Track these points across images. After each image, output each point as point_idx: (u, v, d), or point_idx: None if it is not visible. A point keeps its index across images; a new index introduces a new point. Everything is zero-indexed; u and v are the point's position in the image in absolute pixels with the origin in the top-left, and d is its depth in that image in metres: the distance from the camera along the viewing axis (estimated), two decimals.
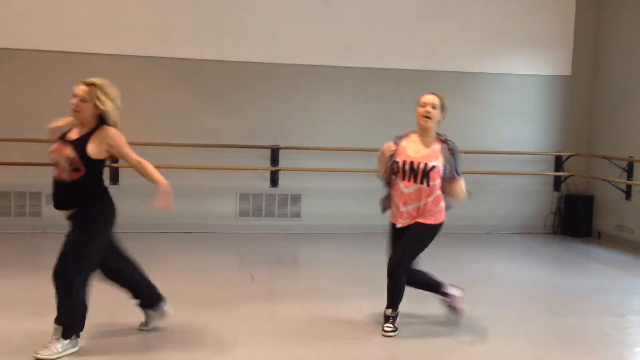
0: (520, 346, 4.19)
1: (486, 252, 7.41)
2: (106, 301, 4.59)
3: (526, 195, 8.79)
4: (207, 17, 7.88)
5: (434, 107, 4.26)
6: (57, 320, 3.74)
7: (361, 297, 5.18)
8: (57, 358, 3.65)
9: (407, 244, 4.31)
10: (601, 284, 6.05)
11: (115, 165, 7.69)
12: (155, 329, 4.24)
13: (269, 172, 8.16)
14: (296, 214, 8.28)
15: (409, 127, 8.52)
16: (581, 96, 8.82)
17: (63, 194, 3.76)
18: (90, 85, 3.81)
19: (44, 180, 7.65)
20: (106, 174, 8.08)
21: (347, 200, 8.23)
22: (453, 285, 4.58)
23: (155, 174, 3.93)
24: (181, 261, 6.45)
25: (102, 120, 3.82)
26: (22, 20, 7.47)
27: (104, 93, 3.84)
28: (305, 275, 6.17)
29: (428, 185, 4.23)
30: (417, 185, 4.22)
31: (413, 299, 5.21)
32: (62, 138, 3.83)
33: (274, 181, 8.21)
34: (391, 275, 4.34)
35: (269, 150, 8.11)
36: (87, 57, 7.63)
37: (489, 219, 8.68)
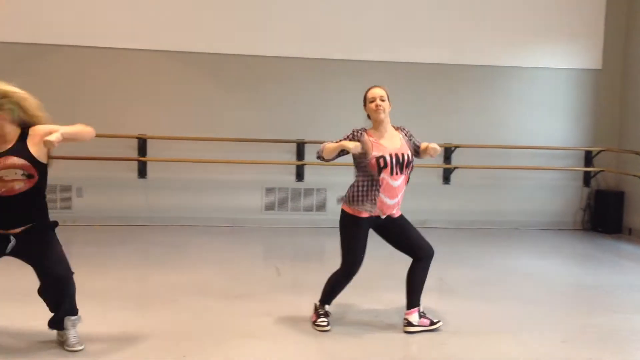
0: (549, 343, 4.14)
1: (514, 248, 7.33)
2: (134, 294, 4.67)
3: (555, 191, 8.67)
4: (235, 12, 7.91)
5: (382, 100, 4.29)
6: (71, 313, 3.81)
7: (386, 291, 5.17)
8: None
9: (416, 233, 4.42)
10: (631, 281, 5.94)
11: (142, 159, 7.78)
12: (181, 321, 4.28)
13: (294, 166, 8.18)
14: (322, 208, 8.29)
15: (435, 121, 8.48)
16: (612, 90, 8.64)
17: (20, 208, 3.51)
18: None
19: (74, 174, 7.80)
20: (134, 167, 8.23)
21: None
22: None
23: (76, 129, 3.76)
24: (208, 254, 6.50)
25: (21, 125, 3.64)
26: (54, 16, 7.59)
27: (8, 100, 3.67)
28: (330, 269, 6.12)
29: (409, 173, 4.31)
30: (403, 176, 4.25)
31: (442, 292, 5.19)
32: None
33: (299, 175, 8.23)
34: (428, 265, 4.37)
35: (295, 144, 8.12)
36: (117, 52, 7.72)
37: (517, 214, 8.58)
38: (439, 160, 8.35)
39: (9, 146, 3.52)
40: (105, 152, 7.52)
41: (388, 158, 4.16)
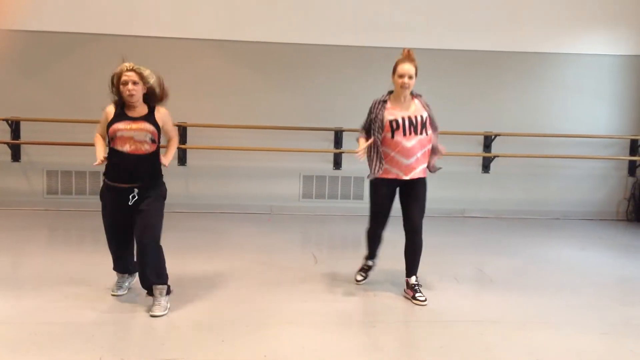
0: (589, 335, 4.07)
1: (555, 239, 7.21)
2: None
3: (599, 181, 8.49)
4: (275, 0, 7.93)
5: (410, 78, 4.57)
6: (157, 282, 4.20)
7: (424, 280, 5.14)
8: (166, 313, 4.15)
9: (421, 204, 4.66)
10: None
11: (183, 146, 7.89)
12: (220, 306, 4.35)
13: (332, 154, 8.19)
14: (359, 196, 8.29)
15: (475, 109, 8.36)
16: None
17: (143, 165, 4.13)
18: (133, 70, 4.23)
19: None
20: (174, 155, 8.35)
21: None
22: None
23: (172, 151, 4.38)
24: (246, 241, 6.57)
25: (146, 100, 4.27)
26: (95, 5, 7.74)
27: (144, 73, 4.28)
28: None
29: (427, 134, 4.56)
30: (419, 137, 4.52)
31: (481, 282, 5.15)
32: (126, 117, 4.17)
33: (337, 163, 8.23)
34: (418, 232, 4.64)
35: (333, 132, 8.12)
36: (157, 41, 7.83)
37: (559, 204, 8.44)
38: (479, 149, 8.25)
39: (143, 114, 4.20)
40: None
41: (400, 120, 4.52)
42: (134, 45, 7.80)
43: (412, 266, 4.71)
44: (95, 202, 8.14)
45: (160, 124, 4.24)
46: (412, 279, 4.69)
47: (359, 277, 5.05)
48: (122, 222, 4.23)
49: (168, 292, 4.26)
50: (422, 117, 4.53)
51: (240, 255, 5.87)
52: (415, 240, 4.66)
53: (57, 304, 4.30)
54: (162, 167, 4.28)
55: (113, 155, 4.13)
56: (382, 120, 4.56)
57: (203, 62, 7.97)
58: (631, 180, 8.52)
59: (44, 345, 3.60)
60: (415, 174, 4.59)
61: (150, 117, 4.20)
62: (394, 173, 4.59)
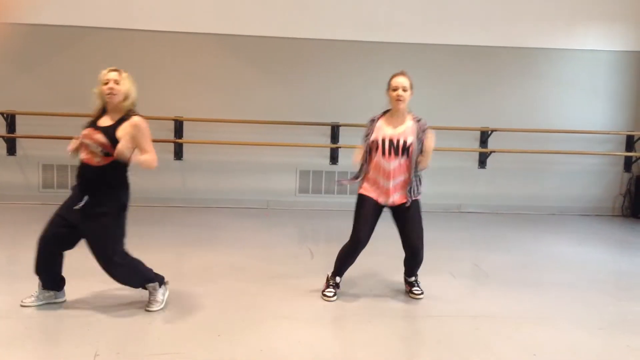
0: (586, 331, 4.08)
1: (551, 234, 7.22)
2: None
3: (595, 176, 8.51)
4: None
5: (404, 90, 4.46)
6: (141, 286, 4.17)
7: (421, 275, 5.15)
8: (162, 307, 4.15)
9: (417, 226, 4.52)
10: None
11: (179, 141, 7.87)
12: (216, 301, 4.35)
13: (329, 149, 8.18)
14: (355, 191, 8.26)
15: (472, 104, 8.38)
16: None
17: (92, 178, 3.94)
18: (118, 70, 4.05)
19: None
20: (170, 149, 8.33)
21: None
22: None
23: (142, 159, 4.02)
24: (242, 236, 6.56)
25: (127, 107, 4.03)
26: None
27: (128, 78, 4.08)
28: (363, 253, 6.16)
29: (408, 157, 4.40)
30: (399, 160, 4.39)
31: (477, 277, 5.15)
32: (93, 125, 4.04)
33: (333, 158, 8.23)
34: (419, 254, 4.56)
35: (329, 127, 8.11)
36: (153, 34, 7.80)
37: (555, 200, 8.46)
38: (475, 144, 8.25)
39: (108, 123, 3.97)
40: None
41: (380, 142, 4.41)
42: (131, 39, 7.78)
43: (411, 272, 4.70)
44: None
45: (119, 136, 3.89)
46: (411, 278, 4.71)
47: (330, 294, 4.54)
48: (62, 230, 4.02)
49: (161, 285, 4.23)
50: (404, 142, 4.39)
51: (236, 250, 5.86)
52: (416, 259, 4.59)
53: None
54: (127, 175, 4.04)
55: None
56: (367, 137, 4.51)
57: (200, 56, 7.94)
58: (627, 176, 8.54)
59: (39, 340, 3.59)
60: (395, 200, 4.46)
61: (110, 129, 3.93)
62: (374, 194, 4.51)
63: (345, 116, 8.06)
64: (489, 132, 8.20)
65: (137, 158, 3.95)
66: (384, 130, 4.47)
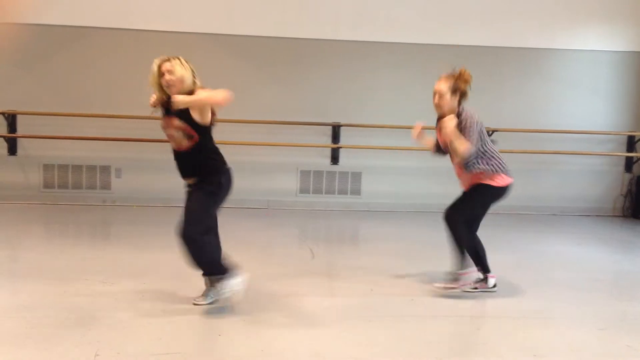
0: (586, 331, 4.08)
1: (552, 234, 7.22)
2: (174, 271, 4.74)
3: (595, 177, 8.51)
4: None
5: (440, 96, 4.44)
6: (207, 274, 4.17)
7: (421, 275, 5.16)
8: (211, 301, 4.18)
9: (463, 203, 4.67)
10: None
11: None
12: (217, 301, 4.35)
13: (329, 149, 8.18)
14: (356, 191, 8.29)
15: (473, 104, 8.37)
16: None
17: (186, 163, 4.07)
18: (168, 59, 4.06)
19: (114, 155, 7.95)
20: (170, 149, 8.30)
21: (407, 178, 8.18)
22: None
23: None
24: (243, 236, 6.56)
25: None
26: None
27: (179, 64, 4.08)
28: (364, 253, 6.18)
29: (460, 159, 4.49)
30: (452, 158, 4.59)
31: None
32: (167, 113, 4.07)
33: (334, 158, 8.23)
34: (450, 231, 4.72)
35: (330, 127, 8.11)
36: (153, 34, 7.81)
37: (556, 200, 8.46)
38: None
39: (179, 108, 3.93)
40: (142, 134, 7.63)
41: (442, 143, 4.64)
42: (131, 39, 7.79)
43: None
44: (92, 196, 8.14)
45: (196, 115, 3.98)
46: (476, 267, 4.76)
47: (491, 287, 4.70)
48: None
49: (221, 278, 4.11)
50: (443, 141, 4.57)
51: (237, 250, 5.83)
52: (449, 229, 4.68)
53: (53, 298, 4.29)
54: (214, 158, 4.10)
55: None
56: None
57: (199, 56, 7.90)
58: (628, 176, 8.53)
59: (40, 339, 3.59)
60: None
61: (182, 110, 3.97)
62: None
63: (346, 116, 8.06)
64: (490, 132, 8.19)
65: (196, 98, 3.94)
66: (439, 133, 4.60)
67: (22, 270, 5.02)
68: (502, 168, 4.49)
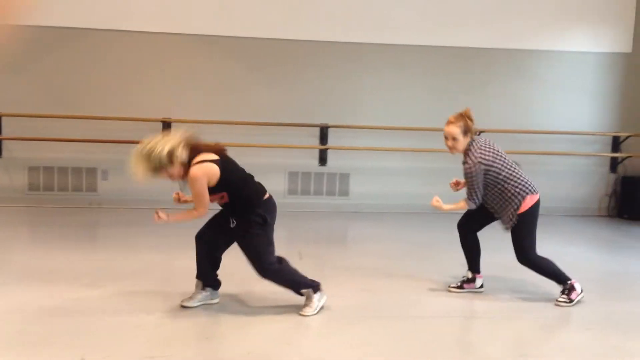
0: (573, 330, 4.11)
1: (538, 234, 7.23)
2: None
3: (581, 177, 8.57)
4: None
5: (454, 139, 4.45)
6: (296, 293, 4.29)
7: (409, 276, 5.17)
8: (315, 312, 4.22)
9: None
10: None
11: None
12: (205, 304, 4.33)
13: (317, 150, 8.18)
14: (344, 192, 8.29)
15: (460, 104, 8.40)
16: None
17: (229, 209, 4.18)
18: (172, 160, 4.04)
19: (100, 157, 7.90)
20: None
21: (395, 179, 8.19)
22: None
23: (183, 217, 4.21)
24: None
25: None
26: (82, 0, 7.65)
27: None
28: (353, 254, 6.18)
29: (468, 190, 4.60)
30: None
31: (462, 276, 5.16)
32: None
33: (322, 160, 8.23)
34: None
35: (318, 128, 8.11)
36: (142, 35, 7.77)
37: (542, 200, 8.43)
38: None
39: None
40: (129, 136, 7.56)
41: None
42: (120, 40, 7.74)
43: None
44: (78, 199, 8.07)
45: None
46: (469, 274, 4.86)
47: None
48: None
49: (315, 290, 4.26)
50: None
51: (225, 252, 5.83)
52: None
53: (39, 301, 4.25)
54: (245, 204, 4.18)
55: None
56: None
57: (189, 57, 7.92)
58: (613, 176, 8.60)
59: (25, 343, 3.55)
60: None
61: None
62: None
63: (335, 117, 8.07)
64: (478, 132, 8.22)
65: (175, 218, 4.14)
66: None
67: (7, 273, 4.97)
68: (525, 191, 4.62)
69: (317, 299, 4.24)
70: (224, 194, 4.08)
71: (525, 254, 4.61)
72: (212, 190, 4.01)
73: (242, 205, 4.14)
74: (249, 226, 4.13)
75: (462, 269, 4.90)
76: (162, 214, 4.07)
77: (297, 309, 4.32)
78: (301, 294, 4.26)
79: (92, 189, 7.93)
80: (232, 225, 4.18)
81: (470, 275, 4.82)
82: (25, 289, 4.49)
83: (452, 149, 4.50)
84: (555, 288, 5.06)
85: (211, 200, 4.03)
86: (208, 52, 7.93)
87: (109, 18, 7.68)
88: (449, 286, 4.83)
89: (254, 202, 4.19)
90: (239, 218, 4.15)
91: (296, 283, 4.26)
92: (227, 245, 4.34)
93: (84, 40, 7.71)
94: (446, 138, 4.49)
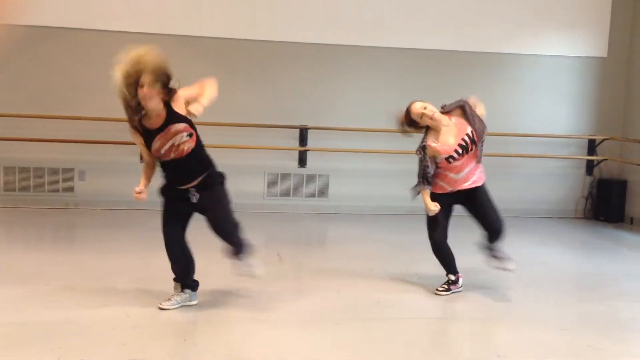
0: (549, 331, 4.15)
1: (515, 237, 7.29)
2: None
3: (557, 179, 8.66)
4: None
5: (424, 107, 4.60)
6: (238, 255, 4.30)
7: (388, 277, 5.19)
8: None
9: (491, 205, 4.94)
10: (632, 269, 5.96)
11: None
12: (182, 305, 4.31)
13: (297, 152, 8.17)
14: (324, 194, 8.29)
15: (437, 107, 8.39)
16: (617, 78, 8.60)
17: (189, 166, 4.04)
18: (145, 68, 4.11)
19: (77, 157, 7.80)
20: (135, 152, 8.16)
21: (374, 181, 8.21)
22: None
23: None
24: (209, 239, 6.49)
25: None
26: None
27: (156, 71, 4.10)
28: (332, 256, 6.19)
29: (480, 145, 4.81)
30: (465, 156, 4.67)
31: (442, 280, 5.20)
32: (159, 129, 3.99)
33: (302, 161, 8.22)
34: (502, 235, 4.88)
35: (298, 130, 8.11)
36: (120, 35, 7.66)
37: (518, 202, 8.58)
38: None
39: (164, 117, 3.95)
40: (107, 136, 7.51)
41: (455, 154, 4.59)
42: (96, 40, 7.65)
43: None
44: (55, 199, 7.97)
45: (183, 111, 4.05)
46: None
47: (440, 290, 4.83)
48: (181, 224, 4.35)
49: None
50: (468, 136, 4.66)
51: (203, 254, 5.78)
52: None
53: (14, 303, 4.20)
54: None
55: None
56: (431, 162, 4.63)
57: (168, 57, 7.85)
58: (589, 179, 8.71)
59: (0, 346, 3.50)
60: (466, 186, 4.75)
61: (173, 114, 4.03)
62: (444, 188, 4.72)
63: (314, 119, 8.07)
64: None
65: (204, 103, 4.07)
66: (447, 145, 4.59)
67: None
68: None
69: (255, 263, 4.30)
70: (194, 135, 4.03)
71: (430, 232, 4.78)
72: (190, 122, 4.02)
73: (205, 155, 4.17)
74: (214, 185, 4.17)
75: (440, 270, 4.93)
76: (136, 190, 4.07)
77: (276, 311, 4.31)
78: (240, 258, 4.29)
79: (69, 189, 7.84)
80: (194, 200, 4.09)
81: (453, 277, 4.85)
82: None
83: (428, 117, 4.58)
84: (528, 289, 5.12)
85: (180, 132, 3.96)
86: (187, 52, 7.87)
87: (87, 18, 7.59)
88: (437, 290, 4.82)
89: (212, 161, 4.25)
90: (204, 174, 4.09)
91: (243, 245, 4.29)
92: (186, 227, 4.33)
93: (61, 39, 7.61)
94: (425, 116, 4.59)
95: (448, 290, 4.80)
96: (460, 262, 4.97)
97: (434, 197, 4.67)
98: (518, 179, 8.58)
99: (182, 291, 4.29)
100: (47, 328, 3.79)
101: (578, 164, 8.68)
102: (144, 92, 3.88)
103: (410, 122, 4.69)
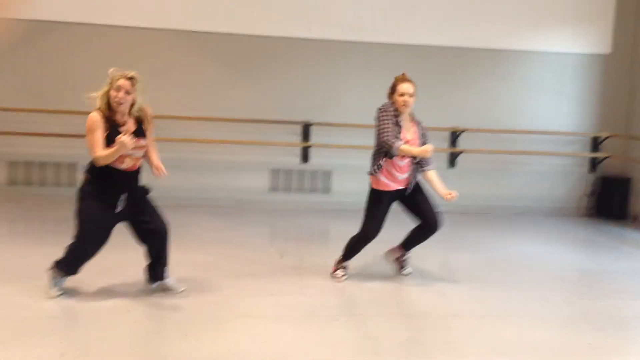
0: (550, 329, 4.16)
1: (518, 234, 7.33)
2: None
3: (560, 177, 8.65)
4: None
5: (410, 96, 4.71)
6: (165, 265, 4.50)
7: (389, 274, 5.20)
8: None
9: (430, 202, 4.98)
10: (634, 267, 5.96)
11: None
12: (184, 300, 4.32)
13: (300, 147, 8.18)
14: (326, 190, 8.30)
15: (442, 104, 8.43)
16: (621, 75, 8.58)
17: (133, 178, 4.27)
18: (132, 78, 4.23)
19: (81, 152, 7.80)
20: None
21: None
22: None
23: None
24: (212, 234, 6.53)
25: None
26: None
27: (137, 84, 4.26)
28: (334, 252, 6.18)
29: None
30: (410, 160, 4.77)
31: (445, 276, 5.20)
32: (136, 134, 4.19)
33: (304, 157, 8.23)
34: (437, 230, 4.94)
35: (301, 125, 8.11)
36: (120, 30, 7.71)
37: (521, 199, 8.58)
38: (445, 144, 8.33)
39: (134, 127, 4.18)
40: None
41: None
42: (94, 34, 7.68)
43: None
44: (59, 193, 8.00)
45: (147, 135, 4.30)
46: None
47: (341, 275, 4.99)
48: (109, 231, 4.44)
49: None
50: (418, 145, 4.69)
51: (205, 249, 5.83)
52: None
53: (17, 297, 4.22)
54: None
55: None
56: (399, 131, 4.67)
57: (167, 53, 7.87)
58: (591, 177, 8.70)
59: (3, 340, 3.53)
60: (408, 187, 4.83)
61: (139, 131, 4.22)
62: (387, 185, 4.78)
63: (317, 115, 8.07)
64: (459, 132, 8.29)
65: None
66: (404, 133, 4.69)
67: None
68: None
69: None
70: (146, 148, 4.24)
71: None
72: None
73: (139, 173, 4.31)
74: (146, 193, 4.36)
75: (443, 266, 4.94)
76: (125, 138, 3.97)
77: (277, 306, 4.33)
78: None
79: (73, 183, 7.85)
80: (120, 208, 4.20)
81: (345, 264, 5.03)
82: (2, 285, 4.45)
83: (408, 106, 4.68)
84: (529, 286, 5.13)
85: (142, 147, 4.19)
86: (188, 47, 7.89)
87: (88, 12, 7.61)
88: (334, 275, 4.96)
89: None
90: (137, 185, 4.25)
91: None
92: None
93: (64, 33, 7.63)
94: (404, 94, 4.69)
95: (345, 275, 4.95)
96: (460, 261, 4.98)
97: (379, 194, 4.80)
98: (521, 176, 8.58)
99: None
100: (50, 322, 3.82)
101: (581, 162, 8.67)
102: (119, 96, 4.17)
103: (392, 89, 4.79)
